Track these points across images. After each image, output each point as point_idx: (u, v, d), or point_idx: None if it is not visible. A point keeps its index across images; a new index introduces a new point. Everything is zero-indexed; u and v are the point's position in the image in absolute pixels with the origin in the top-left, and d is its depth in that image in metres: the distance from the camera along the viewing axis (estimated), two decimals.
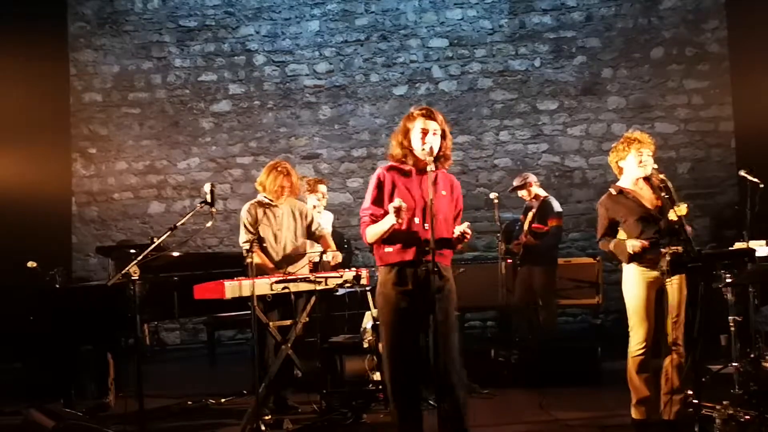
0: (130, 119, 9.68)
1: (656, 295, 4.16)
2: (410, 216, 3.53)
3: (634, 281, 4.18)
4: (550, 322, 6.74)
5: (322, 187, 6.52)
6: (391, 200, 3.55)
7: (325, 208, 6.68)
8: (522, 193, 6.83)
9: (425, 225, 3.48)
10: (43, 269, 5.95)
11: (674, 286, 4.09)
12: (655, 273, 4.12)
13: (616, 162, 4.31)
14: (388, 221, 3.47)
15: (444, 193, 3.63)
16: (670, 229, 4.04)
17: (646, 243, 4.05)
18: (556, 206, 6.69)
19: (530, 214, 6.70)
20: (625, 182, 4.29)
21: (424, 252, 3.47)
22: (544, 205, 6.68)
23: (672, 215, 3.94)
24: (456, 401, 3.53)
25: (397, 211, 3.38)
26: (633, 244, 4.07)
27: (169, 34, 9.67)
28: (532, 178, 6.84)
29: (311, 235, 5.37)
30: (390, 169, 3.67)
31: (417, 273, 3.50)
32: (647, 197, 4.22)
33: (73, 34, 9.75)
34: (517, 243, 6.70)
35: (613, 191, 4.31)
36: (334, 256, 5.30)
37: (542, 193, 6.82)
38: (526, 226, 6.65)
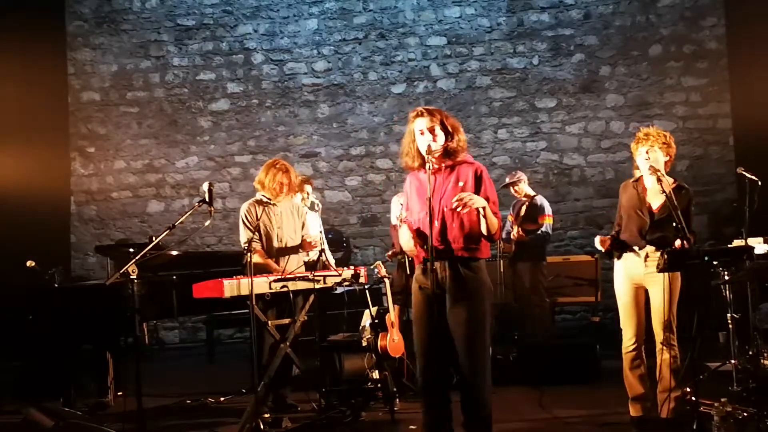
0: (129, 118, 9.68)
1: (644, 294, 4.20)
2: (422, 215, 3.56)
3: (619, 279, 4.26)
4: (543, 319, 6.77)
5: (308, 188, 6.49)
6: (411, 204, 3.70)
7: (323, 206, 6.68)
8: (514, 189, 6.99)
9: (436, 222, 3.50)
10: (42, 268, 5.94)
11: (658, 286, 4.08)
12: (639, 271, 4.15)
13: (635, 161, 4.35)
14: (405, 229, 3.64)
15: (461, 184, 3.61)
16: (662, 232, 4.07)
17: (607, 243, 4.20)
18: (546, 205, 6.85)
19: (522, 210, 6.82)
20: (646, 176, 4.32)
21: (440, 249, 3.50)
22: (534, 203, 6.82)
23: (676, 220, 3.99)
24: (477, 401, 3.54)
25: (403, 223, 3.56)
26: (596, 241, 4.24)
27: (167, 33, 9.66)
28: (523, 176, 7.02)
29: None
30: (410, 176, 3.77)
31: (436, 271, 3.51)
32: (655, 195, 4.23)
33: (71, 33, 9.74)
34: (508, 243, 6.78)
35: (630, 180, 4.38)
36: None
37: (531, 192, 6.97)
38: (515, 225, 6.74)
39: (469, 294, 3.54)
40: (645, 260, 4.15)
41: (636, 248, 4.18)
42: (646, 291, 4.21)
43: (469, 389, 3.54)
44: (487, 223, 3.51)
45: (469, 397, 3.55)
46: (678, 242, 3.91)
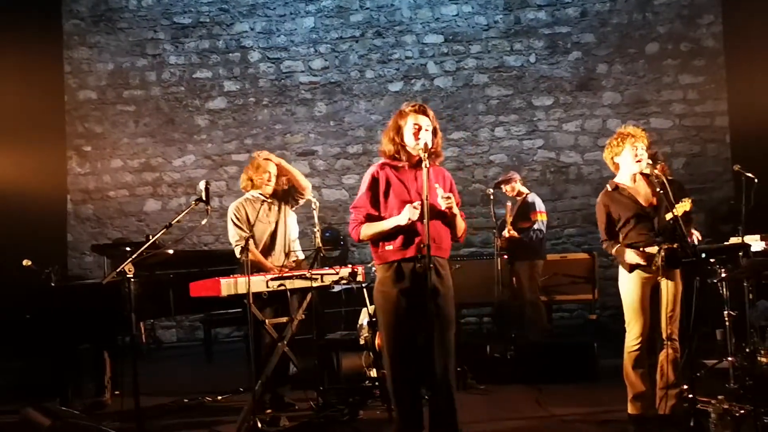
0: (125, 117, 9.66)
1: (651, 291, 4.17)
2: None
3: (629, 277, 4.18)
4: (537, 318, 6.76)
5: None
6: (386, 198, 3.61)
7: (320, 205, 6.64)
8: (506, 188, 7.02)
9: (423, 221, 3.49)
10: (39, 268, 5.92)
11: (669, 281, 4.09)
12: (650, 269, 4.13)
13: (612, 158, 4.29)
14: (395, 221, 3.53)
15: (437, 185, 3.63)
16: (665, 227, 4.05)
17: (643, 259, 4.07)
18: (538, 202, 6.86)
19: (515, 208, 6.85)
20: (622, 178, 4.28)
21: (422, 248, 3.48)
22: (526, 201, 6.85)
23: (671, 213, 3.94)
24: (451, 400, 3.55)
25: (414, 212, 3.45)
26: (631, 258, 4.10)
27: (163, 31, 9.64)
28: (516, 176, 7.07)
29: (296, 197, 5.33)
30: (383, 166, 3.69)
31: (415, 270, 3.49)
32: (643, 194, 4.21)
33: (67, 32, 9.72)
34: (502, 239, 6.77)
35: (609, 187, 4.29)
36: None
37: (524, 190, 7.03)
38: (509, 223, 6.73)
39: (445, 294, 3.59)
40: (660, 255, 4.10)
41: (654, 246, 4.12)
42: (653, 288, 4.16)
43: (444, 388, 3.55)
44: (456, 226, 3.65)
45: (444, 397, 3.55)
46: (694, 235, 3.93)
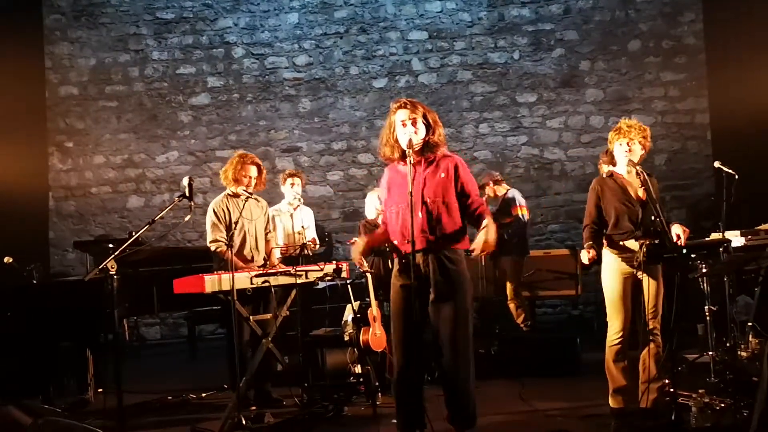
0: (108, 113, 9.58)
1: (633, 287, 4.21)
2: (403, 207, 3.54)
3: (610, 272, 4.24)
4: (520, 313, 6.79)
5: (294, 180, 6.45)
6: (390, 196, 3.69)
7: (305, 202, 6.65)
8: (486, 191, 6.98)
9: (420, 214, 3.49)
10: (20, 265, 5.88)
11: (650, 277, 4.13)
12: (631, 264, 4.17)
13: (611, 150, 4.36)
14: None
15: (442, 175, 3.60)
16: (647, 221, 4.10)
17: (591, 257, 4.18)
18: (518, 196, 6.92)
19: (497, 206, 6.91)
20: (619, 169, 4.34)
21: (423, 241, 3.48)
22: (506, 197, 6.93)
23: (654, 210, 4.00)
24: (461, 397, 3.54)
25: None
26: (583, 256, 4.22)
27: (146, 26, 9.57)
28: (488, 180, 7.03)
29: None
30: (390, 167, 3.74)
31: (419, 265, 3.49)
32: (635, 186, 4.26)
33: (48, 27, 9.61)
34: None
35: (604, 174, 4.39)
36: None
37: (501, 192, 7.03)
38: None
39: (452, 288, 3.53)
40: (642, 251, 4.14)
41: (632, 240, 4.17)
42: (635, 284, 4.21)
43: (454, 385, 3.54)
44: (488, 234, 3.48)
45: (454, 393, 3.55)
46: (680, 232, 3.98)
